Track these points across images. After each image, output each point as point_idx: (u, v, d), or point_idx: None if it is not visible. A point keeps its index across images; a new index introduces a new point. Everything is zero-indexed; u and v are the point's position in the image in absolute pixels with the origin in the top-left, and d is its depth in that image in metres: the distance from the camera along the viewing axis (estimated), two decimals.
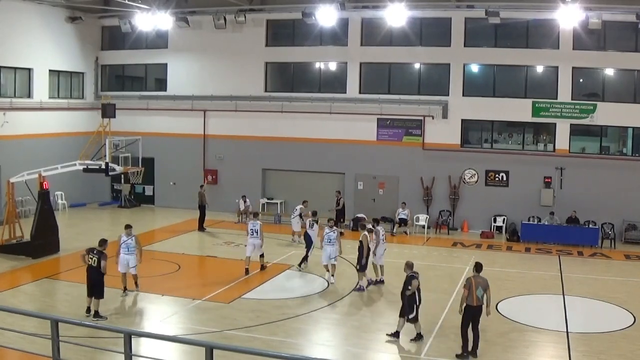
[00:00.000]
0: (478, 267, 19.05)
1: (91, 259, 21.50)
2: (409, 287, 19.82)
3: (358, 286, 25.61)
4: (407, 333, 19.98)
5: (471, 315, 18.53)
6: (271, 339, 19.92)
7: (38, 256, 28.98)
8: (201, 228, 36.85)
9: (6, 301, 22.46)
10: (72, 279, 25.62)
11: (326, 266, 26.54)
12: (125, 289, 24.00)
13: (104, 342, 16.87)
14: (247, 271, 27.18)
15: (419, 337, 20.00)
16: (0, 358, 13.04)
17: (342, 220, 37.80)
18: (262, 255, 28.06)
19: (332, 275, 26.30)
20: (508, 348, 19.21)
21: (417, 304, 20.00)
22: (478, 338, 18.60)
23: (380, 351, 19.92)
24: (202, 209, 37.11)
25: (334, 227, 27.31)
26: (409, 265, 20.54)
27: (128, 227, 24.42)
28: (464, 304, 18.58)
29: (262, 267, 27.98)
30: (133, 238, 24.11)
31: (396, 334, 20.05)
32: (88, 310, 21.57)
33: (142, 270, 25.05)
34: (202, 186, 38.45)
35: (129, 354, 11.51)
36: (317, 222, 29.85)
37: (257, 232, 27.35)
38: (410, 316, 19.93)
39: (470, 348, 18.54)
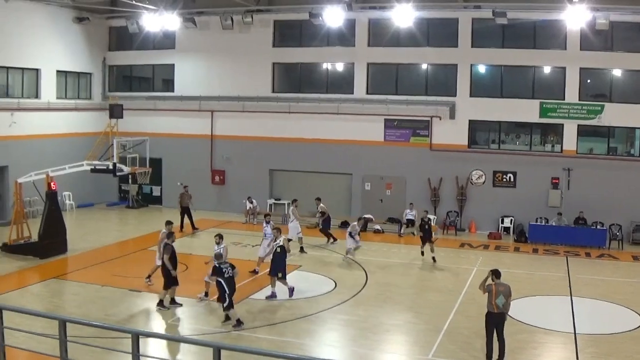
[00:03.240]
0: (497, 274, 18.61)
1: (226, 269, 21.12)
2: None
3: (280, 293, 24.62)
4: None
5: (493, 322, 18.18)
6: (279, 340, 19.94)
7: (46, 256, 29.03)
8: (194, 227, 36.95)
9: (14, 301, 22.49)
10: (80, 279, 25.68)
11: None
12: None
13: (112, 343, 16.88)
14: (255, 272, 27.18)
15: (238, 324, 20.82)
16: (9, 358, 13.06)
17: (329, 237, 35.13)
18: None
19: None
20: (516, 349, 19.15)
21: (228, 292, 20.65)
22: (504, 346, 18.23)
23: (388, 352, 19.94)
24: (187, 210, 37.16)
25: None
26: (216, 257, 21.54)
27: (220, 236, 24.22)
28: (484, 287, 18.50)
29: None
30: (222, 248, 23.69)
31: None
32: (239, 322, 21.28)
33: (149, 270, 25.12)
34: (185, 187, 38.12)
35: (137, 355, 11.52)
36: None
37: (268, 234, 27.31)
38: (225, 304, 20.68)
39: (496, 356, 18.25)
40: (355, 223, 31.54)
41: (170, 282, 22.72)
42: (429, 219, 31.37)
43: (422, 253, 30.73)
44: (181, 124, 43.65)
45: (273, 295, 24.03)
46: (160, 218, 35.04)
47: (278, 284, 24.35)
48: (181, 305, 22.87)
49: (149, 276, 25.24)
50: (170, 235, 23.24)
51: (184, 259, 28.63)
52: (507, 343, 18.16)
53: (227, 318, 21.14)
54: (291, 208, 33.75)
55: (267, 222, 28.29)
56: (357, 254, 30.37)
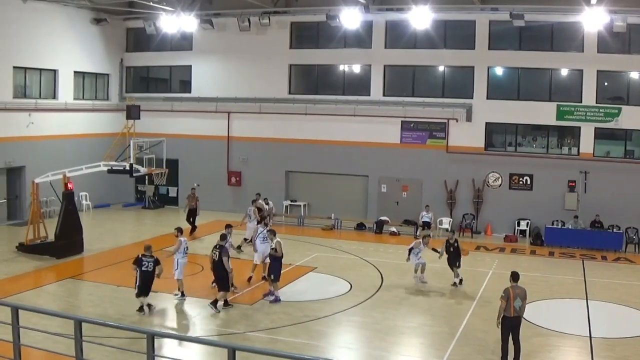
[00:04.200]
0: (515, 276, 18.44)
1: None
2: None
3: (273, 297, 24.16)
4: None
5: (510, 326, 18.01)
6: (293, 341, 19.94)
7: (62, 256, 29.15)
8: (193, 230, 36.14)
9: (30, 301, 22.62)
10: (95, 279, 25.79)
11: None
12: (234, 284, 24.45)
13: (127, 343, 16.94)
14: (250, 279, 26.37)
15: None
16: (24, 357, 13.11)
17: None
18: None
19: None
20: (531, 353, 19.08)
21: (139, 283, 21.81)
22: (519, 350, 18.11)
23: (403, 354, 19.93)
24: (193, 212, 36.30)
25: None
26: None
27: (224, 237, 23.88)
28: (502, 315, 17.95)
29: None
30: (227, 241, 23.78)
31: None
32: (141, 309, 22.10)
33: (165, 271, 25.16)
34: (193, 188, 37.79)
35: (152, 355, 11.54)
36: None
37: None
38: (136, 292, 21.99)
39: None
40: (420, 240, 27.32)
41: (227, 284, 22.90)
42: (457, 240, 27.05)
43: (455, 284, 26.76)
44: (198, 125, 43.75)
45: (275, 298, 23.84)
46: (176, 219, 35.13)
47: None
48: (232, 306, 22.99)
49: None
50: (224, 237, 23.38)
51: (199, 260, 28.72)
52: (522, 346, 18.09)
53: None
54: (251, 208, 32.89)
55: (266, 225, 27.38)
56: (376, 255, 29.46)
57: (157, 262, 21.94)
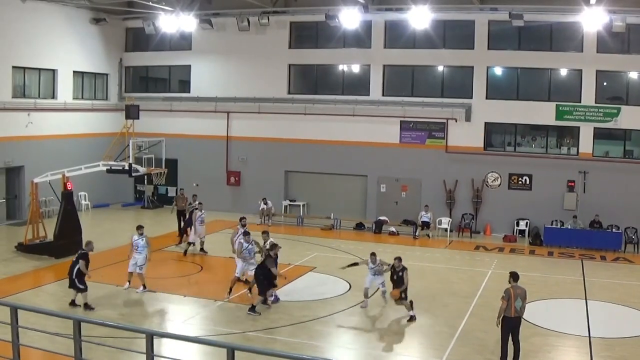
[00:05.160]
0: (515, 276, 18.40)
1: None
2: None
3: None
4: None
5: (510, 327, 18.00)
6: (293, 341, 19.94)
7: (61, 256, 29.06)
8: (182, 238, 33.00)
9: (29, 300, 22.62)
10: (94, 279, 25.65)
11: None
12: (129, 282, 24.54)
13: (126, 343, 16.93)
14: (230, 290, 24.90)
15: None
16: (23, 357, 13.10)
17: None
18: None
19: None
20: (530, 352, 19.07)
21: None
22: (519, 351, 18.12)
23: (402, 354, 19.93)
24: (182, 213, 34.40)
25: None
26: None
27: (140, 227, 25.06)
28: (501, 316, 17.92)
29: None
30: (144, 238, 24.63)
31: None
32: (73, 302, 22.58)
33: (164, 271, 25.21)
34: (182, 189, 37.64)
35: (151, 355, 11.54)
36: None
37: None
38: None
39: None
40: (368, 259, 24.16)
41: (268, 285, 22.90)
42: (403, 269, 22.57)
43: (410, 318, 22.35)
44: (197, 125, 43.75)
45: (275, 297, 23.62)
46: (175, 219, 35.02)
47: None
48: (269, 307, 23.07)
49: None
50: (274, 246, 23.49)
51: (199, 261, 28.73)
52: (521, 346, 18.08)
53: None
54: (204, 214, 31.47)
55: (243, 226, 26.54)
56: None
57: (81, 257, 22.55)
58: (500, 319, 18.00)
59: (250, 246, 24.53)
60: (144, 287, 24.28)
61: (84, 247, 23.36)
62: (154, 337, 12.01)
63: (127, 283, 24.47)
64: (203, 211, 31.22)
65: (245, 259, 24.38)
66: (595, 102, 36.59)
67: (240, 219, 26.82)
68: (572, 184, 37.01)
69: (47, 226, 31.19)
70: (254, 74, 42.51)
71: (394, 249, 32.69)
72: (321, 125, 41.25)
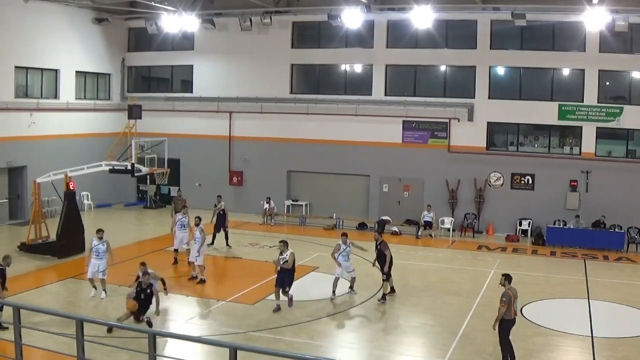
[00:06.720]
0: (509, 278, 18.44)
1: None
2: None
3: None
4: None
5: (510, 328, 17.99)
6: (295, 341, 19.97)
7: (63, 256, 29.15)
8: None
9: (32, 300, 22.65)
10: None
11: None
12: (95, 288, 23.98)
13: (129, 343, 16.93)
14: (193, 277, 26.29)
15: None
16: (26, 357, 13.10)
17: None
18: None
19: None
20: (532, 352, 19.08)
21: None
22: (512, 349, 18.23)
23: (404, 354, 19.90)
24: None
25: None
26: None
27: (99, 231, 24.32)
28: (500, 318, 17.76)
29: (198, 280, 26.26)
30: (104, 243, 24.03)
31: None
32: None
33: (166, 271, 25.14)
34: (179, 191, 37.56)
35: (153, 355, 11.53)
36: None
37: (198, 239, 26.37)
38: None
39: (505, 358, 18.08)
40: (339, 241, 25.21)
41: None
42: (382, 243, 24.48)
43: (382, 298, 24.28)
44: (199, 124, 43.76)
45: (278, 309, 22.95)
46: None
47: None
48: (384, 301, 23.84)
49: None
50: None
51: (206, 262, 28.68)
52: (523, 346, 18.07)
53: None
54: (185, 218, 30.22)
55: (197, 225, 26.96)
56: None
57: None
58: (498, 322, 17.88)
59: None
60: (105, 292, 23.84)
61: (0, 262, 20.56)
62: (157, 336, 12.02)
63: (94, 289, 23.92)
64: (186, 215, 29.80)
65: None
66: (598, 102, 36.54)
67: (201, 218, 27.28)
68: (575, 183, 36.97)
69: (49, 226, 31.19)
70: (256, 73, 42.50)
71: (397, 249, 32.66)
72: (323, 125, 41.23)
